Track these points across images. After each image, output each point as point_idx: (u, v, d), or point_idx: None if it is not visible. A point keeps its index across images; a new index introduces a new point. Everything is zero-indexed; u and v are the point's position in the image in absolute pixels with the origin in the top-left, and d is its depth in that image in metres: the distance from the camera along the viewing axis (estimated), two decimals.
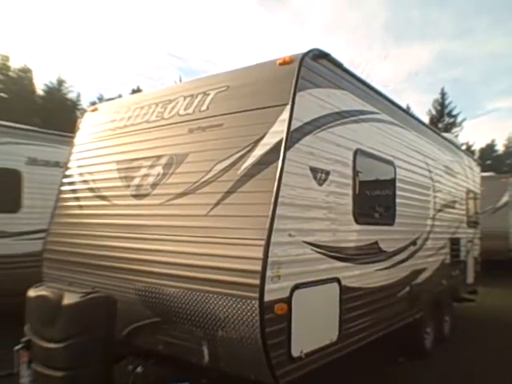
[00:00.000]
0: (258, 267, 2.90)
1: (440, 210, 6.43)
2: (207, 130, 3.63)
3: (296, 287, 3.20)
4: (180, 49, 74.10)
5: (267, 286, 2.91)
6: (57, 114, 32.03)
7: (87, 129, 4.86)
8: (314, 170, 3.44)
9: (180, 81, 38.57)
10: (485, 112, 78.13)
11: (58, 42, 71.77)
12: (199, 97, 3.83)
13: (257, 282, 2.90)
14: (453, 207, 7.12)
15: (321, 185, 3.53)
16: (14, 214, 6.74)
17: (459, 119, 42.32)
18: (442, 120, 41.82)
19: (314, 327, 3.47)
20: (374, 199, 4.70)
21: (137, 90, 36.72)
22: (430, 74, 71.82)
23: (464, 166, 7.96)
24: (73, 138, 5.03)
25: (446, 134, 7.59)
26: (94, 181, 4.41)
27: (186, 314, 3.31)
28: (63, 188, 4.77)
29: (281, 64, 3.42)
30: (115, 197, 4.12)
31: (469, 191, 8.13)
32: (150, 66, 67.55)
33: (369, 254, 4.32)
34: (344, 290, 3.79)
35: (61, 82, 39.49)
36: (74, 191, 4.60)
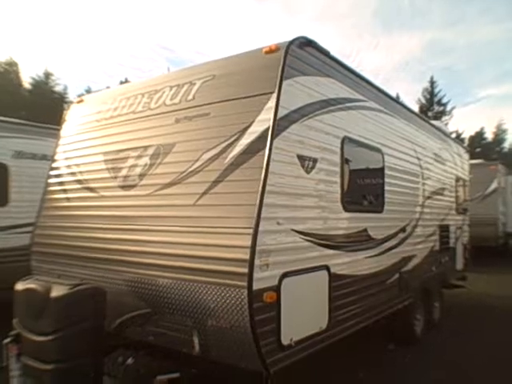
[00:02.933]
0: (246, 256, 2.90)
1: (429, 197, 6.46)
2: (194, 119, 3.60)
3: (285, 275, 3.20)
4: (169, 40, 73.59)
5: (255, 275, 2.91)
6: (44, 108, 31.61)
7: (73, 120, 4.80)
8: (301, 158, 3.43)
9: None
10: (474, 100, 78.64)
11: (44, 34, 70.69)
12: (185, 86, 3.80)
13: (245, 270, 2.90)
14: (442, 194, 7.16)
15: (308, 173, 3.52)
16: (1, 207, 6.66)
17: (449, 107, 42.63)
18: (432, 109, 42.01)
19: (304, 315, 3.48)
20: (363, 187, 4.71)
21: (124, 82, 36.34)
22: (420, 63, 71.97)
23: (453, 153, 8.00)
24: (59, 130, 4.97)
25: (434, 122, 7.60)
26: (81, 172, 4.37)
27: (175, 304, 3.31)
28: (50, 180, 4.72)
29: (267, 52, 3.39)
30: (102, 188, 4.08)
31: (458, 178, 8.18)
32: (138, 57, 66.95)
33: (358, 241, 4.33)
34: (333, 277, 3.81)
35: (48, 75, 39.04)
36: (61, 183, 4.56)
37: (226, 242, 3.04)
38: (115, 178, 3.99)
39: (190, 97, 3.71)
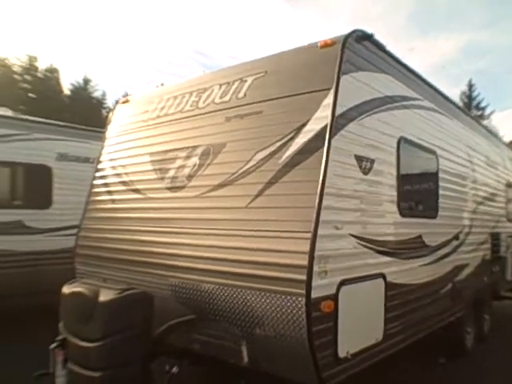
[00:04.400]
0: (305, 262, 2.72)
1: (481, 203, 6.12)
2: (245, 117, 3.46)
3: (342, 283, 3.00)
4: (204, 45, 74.05)
5: (314, 282, 2.73)
6: (83, 113, 32.44)
7: (119, 121, 4.76)
8: (359, 159, 3.24)
9: None
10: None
11: (83, 41, 72.80)
12: (236, 84, 3.67)
13: (303, 277, 2.72)
14: (493, 200, 6.78)
15: (366, 174, 3.32)
16: (45, 209, 6.72)
17: (487, 111, 41.08)
18: (470, 113, 40.71)
19: (360, 326, 3.27)
20: (418, 190, 4.45)
21: None
22: (456, 66, 70.04)
23: (504, 156, 7.60)
24: (104, 132, 4.94)
25: (485, 123, 7.22)
26: (126, 174, 4.31)
27: (224, 311, 3.16)
28: (95, 182, 4.68)
29: (322, 47, 3.22)
30: (149, 190, 3.99)
31: (509, 183, 7.76)
32: (174, 63, 67.79)
33: (413, 248, 4.09)
34: (389, 286, 3.58)
35: (87, 81, 40.13)
36: (106, 185, 4.51)
37: (281, 246, 2.87)
38: (162, 179, 3.90)
39: (241, 94, 3.57)
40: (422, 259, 4.25)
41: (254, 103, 3.46)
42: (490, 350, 6.27)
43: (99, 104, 40.06)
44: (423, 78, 4.39)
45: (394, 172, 3.74)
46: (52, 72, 38.61)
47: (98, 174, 4.70)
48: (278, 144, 3.14)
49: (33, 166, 6.63)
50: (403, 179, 3.88)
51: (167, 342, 3.58)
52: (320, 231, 2.77)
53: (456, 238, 5.16)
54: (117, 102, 5.00)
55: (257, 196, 3.12)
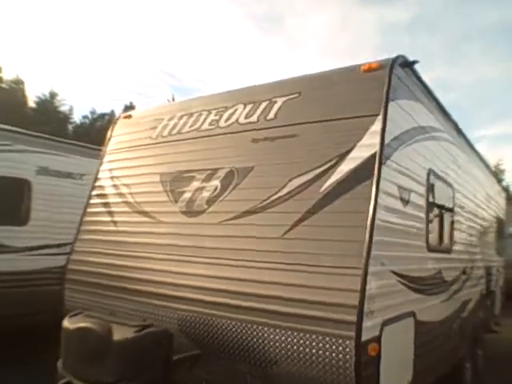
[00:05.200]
0: (355, 301, 2.47)
1: (480, 237, 6.09)
2: (277, 140, 3.22)
3: (385, 323, 2.76)
4: (173, 67, 73.79)
5: (364, 324, 2.48)
6: (49, 127, 31.32)
7: (121, 137, 4.41)
8: (400, 190, 3.05)
9: (173, 99, 38.41)
10: (472, 139, 78.81)
11: (50, 55, 71.20)
12: (263, 104, 3.43)
13: (353, 318, 2.46)
14: (488, 233, 6.79)
15: (405, 206, 3.14)
16: (22, 226, 6.17)
17: None
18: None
19: (396, 369, 3.04)
20: (440, 224, 4.31)
21: (130, 107, 36.24)
22: None
23: (496, 190, 7.68)
24: (102, 146, 4.58)
25: (483, 157, 7.30)
26: (131, 194, 3.95)
27: (245, 351, 2.84)
28: (92, 201, 4.29)
29: (366, 70, 3.05)
30: (159, 213, 3.65)
31: (498, 217, 7.84)
32: (141, 83, 66.97)
33: (435, 284, 3.91)
34: (417, 324, 3.37)
35: (53, 95, 38.94)
36: (106, 205, 4.12)
37: (326, 283, 2.61)
38: (175, 202, 3.57)
39: (271, 115, 3.34)
40: (441, 295, 4.08)
41: (286, 126, 3.23)
42: None
43: (66, 119, 38.88)
44: (446, 109, 4.30)
45: (424, 205, 3.58)
46: (17, 83, 37.30)
47: (95, 193, 4.30)
48: (318, 171, 2.91)
49: (11, 180, 6.10)
50: (429, 212, 3.73)
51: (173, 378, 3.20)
52: (370, 268, 2.54)
53: (464, 272, 5.05)
54: (118, 117, 4.65)
55: (294, 226, 2.86)
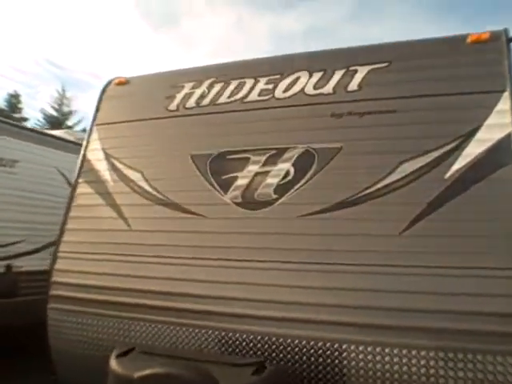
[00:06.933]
0: None
1: None
2: (367, 116, 2.65)
3: None
4: (60, 57, 66.34)
5: None
6: None
7: (117, 108, 3.42)
8: None
9: (63, 91, 33.51)
10: None
11: None
12: (339, 73, 2.82)
13: None
14: None
15: None
16: None
17: None
18: None
19: None
20: None
21: (14, 95, 31.43)
22: None
23: None
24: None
25: None
26: (146, 180, 3.04)
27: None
28: (80, 191, 3.25)
29: (473, 41, 2.64)
30: (199, 205, 2.83)
31: None
32: (25, 72, 59.09)
33: None
34: None
35: None
36: (104, 195, 3.13)
37: (485, 289, 2.15)
38: (223, 190, 2.79)
39: (354, 86, 2.75)
40: None
41: (378, 99, 2.68)
42: None
43: None
44: None
45: None
46: None
47: (84, 179, 3.27)
48: (437, 154, 2.43)
49: None
50: None
51: None
52: None
53: None
54: (108, 83, 3.60)
55: (416, 220, 2.35)
